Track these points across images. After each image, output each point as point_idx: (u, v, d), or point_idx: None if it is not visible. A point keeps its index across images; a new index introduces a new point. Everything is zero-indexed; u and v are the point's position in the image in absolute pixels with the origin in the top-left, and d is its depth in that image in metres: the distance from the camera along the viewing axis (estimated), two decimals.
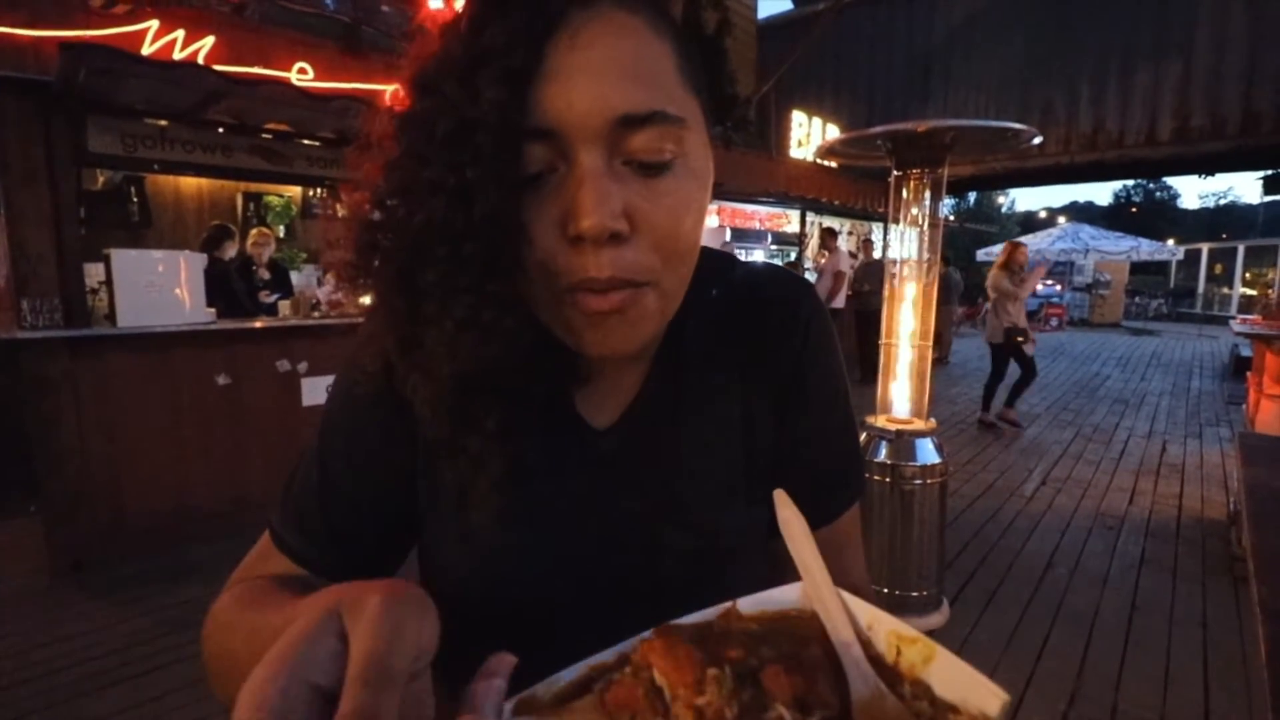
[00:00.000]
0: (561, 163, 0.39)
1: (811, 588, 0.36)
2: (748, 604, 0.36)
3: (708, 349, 0.53)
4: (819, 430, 0.55)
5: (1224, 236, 29.02)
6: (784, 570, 0.39)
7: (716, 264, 0.55)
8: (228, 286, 4.12)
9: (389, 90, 0.41)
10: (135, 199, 5.24)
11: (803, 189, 8.50)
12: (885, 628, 0.33)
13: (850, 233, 10.22)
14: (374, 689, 0.23)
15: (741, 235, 9.47)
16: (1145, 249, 15.99)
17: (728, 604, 0.36)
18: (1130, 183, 41.55)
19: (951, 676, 0.29)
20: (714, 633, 0.34)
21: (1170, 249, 17.42)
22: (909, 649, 0.31)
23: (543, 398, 0.49)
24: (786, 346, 0.53)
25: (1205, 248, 20.84)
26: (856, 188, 9.49)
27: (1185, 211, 45.67)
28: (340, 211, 0.41)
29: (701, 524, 0.51)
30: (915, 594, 2.54)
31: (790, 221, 9.76)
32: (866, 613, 0.33)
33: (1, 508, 3.41)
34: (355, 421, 0.50)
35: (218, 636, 0.43)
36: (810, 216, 9.76)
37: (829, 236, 7.82)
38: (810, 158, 8.72)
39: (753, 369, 0.53)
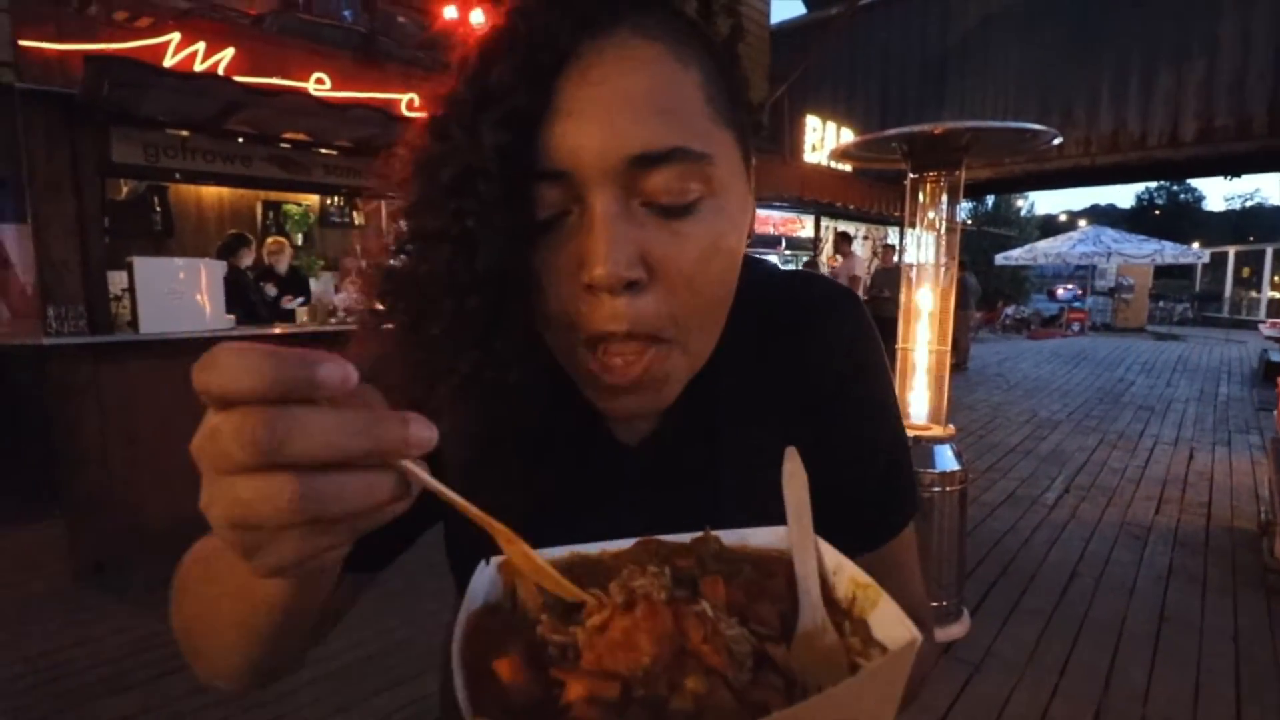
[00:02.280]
0: (575, 206, 0.37)
1: (793, 530, 0.37)
2: (729, 536, 0.39)
3: (743, 362, 0.49)
4: (868, 448, 0.52)
5: (1251, 239, 28.43)
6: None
7: (750, 272, 0.52)
8: (245, 294, 4.17)
9: (404, 100, 0.41)
10: (158, 208, 5.35)
11: (817, 193, 8.46)
12: (847, 574, 0.35)
13: (865, 237, 10.15)
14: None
15: (755, 240, 9.43)
16: (1169, 252, 15.70)
17: (705, 531, 0.38)
18: (1153, 185, 40.90)
19: (886, 618, 0.32)
20: (683, 550, 0.37)
21: (1195, 252, 17.09)
22: (862, 594, 0.34)
23: (570, 418, 0.47)
24: (828, 356, 0.50)
25: (1232, 250, 20.44)
26: (871, 191, 9.42)
27: (1210, 214, 44.84)
28: (360, 258, 0.40)
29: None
30: (935, 604, 2.49)
31: (804, 226, 9.71)
32: (834, 559, 0.36)
33: (26, 511, 3.47)
34: None
35: (181, 591, 0.41)
36: (824, 221, 9.71)
37: (843, 241, 7.77)
38: (824, 161, 8.68)
39: (792, 385, 0.50)
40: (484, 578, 0.33)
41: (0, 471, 3.47)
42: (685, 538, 0.38)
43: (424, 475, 0.26)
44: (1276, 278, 18.19)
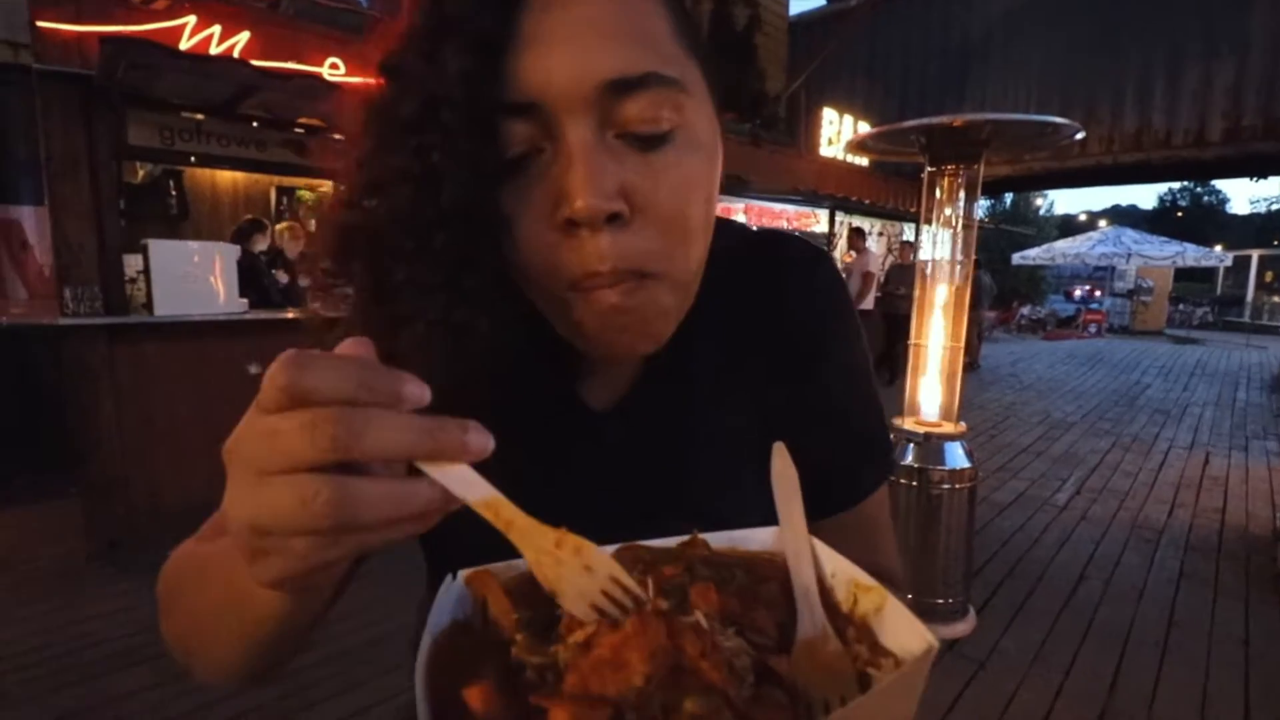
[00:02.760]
0: (547, 142, 0.36)
1: (786, 532, 0.35)
2: (718, 539, 0.36)
3: (715, 323, 0.49)
4: (840, 404, 0.51)
5: (1276, 243, 27.87)
6: None
7: (721, 231, 0.52)
8: (258, 278, 4.20)
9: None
10: (174, 192, 5.39)
11: (832, 187, 8.37)
12: (846, 576, 0.33)
13: (880, 233, 10.05)
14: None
15: None
16: (1191, 254, 15.40)
17: (692, 534, 0.36)
18: (1176, 185, 40.18)
19: (895, 623, 0.30)
20: (669, 556, 0.34)
21: (1218, 255, 16.77)
22: (864, 597, 0.32)
23: (539, 383, 0.47)
24: (801, 317, 0.49)
25: (1255, 254, 20.05)
26: (887, 186, 9.32)
27: (1234, 216, 44.06)
28: (311, 218, 0.38)
29: (707, 512, 0.46)
30: (941, 601, 2.47)
31: (819, 221, 9.62)
32: (831, 561, 0.34)
33: (42, 488, 3.52)
34: None
35: (171, 597, 0.41)
36: (839, 216, 9.61)
37: (856, 236, 7.70)
38: (841, 155, 8.59)
39: (766, 345, 0.49)
40: (451, 593, 0.31)
41: (16, 450, 3.53)
42: (671, 542, 0.36)
43: (470, 484, 0.25)
44: None
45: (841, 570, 0.33)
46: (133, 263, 3.69)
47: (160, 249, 3.17)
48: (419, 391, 0.24)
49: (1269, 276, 19.95)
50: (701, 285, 0.47)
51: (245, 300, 3.51)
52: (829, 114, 8.92)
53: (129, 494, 3.10)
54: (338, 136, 0.38)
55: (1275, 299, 18.64)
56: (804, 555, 0.34)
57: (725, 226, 0.52)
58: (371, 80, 0.36)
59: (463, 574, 0.32)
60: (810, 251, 0.52)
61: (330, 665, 2.16)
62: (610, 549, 0.34)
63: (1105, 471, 4.61)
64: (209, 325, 3.25)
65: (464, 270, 0.35)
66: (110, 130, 3.36)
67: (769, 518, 0.44)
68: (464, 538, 0.30)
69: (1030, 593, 2.84)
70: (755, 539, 0.37)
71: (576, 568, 0.28)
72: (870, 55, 10.83)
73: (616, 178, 0.35)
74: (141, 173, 5.26)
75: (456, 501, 0.25)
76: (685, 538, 0.36)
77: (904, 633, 0.29)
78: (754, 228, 0.56)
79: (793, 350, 0.49)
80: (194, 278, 3.22)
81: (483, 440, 0.25)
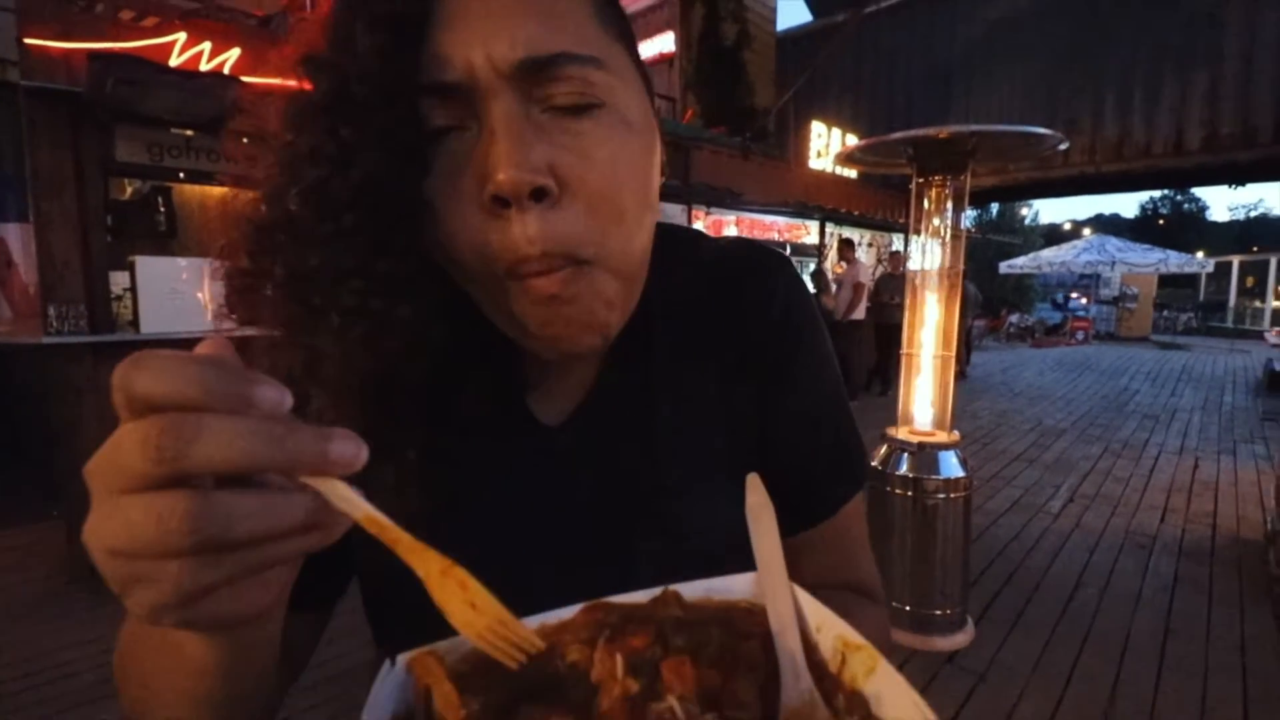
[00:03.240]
0: (471, 122, 0.35)
1: (766, 580, 0.32)
2: (693, 589, 0.33)
3: (674, 331, 0.47)
4: (809, 414, 0.49)
5: (1255, 249, 28.33)
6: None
7: (679, 239, 0.50)
8: None
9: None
10: (162, 208, 5.34)
11: (821, 199, 8.45)
12: (833, 632, 0.30)
13: (870, 244, 10.13)
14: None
15: None
16: (1174, 261, 15.66)
17: (664, 588, 0.33)
18: (1157, 194, 40.83)
19: (888, 692, 0.27)
20: (638, 616, 0.31)
21: (1200, 261, 17.04)
22: (853, 657, 0.29)
23: (484, 398, 0.44)
24: (763, 323, 0.48)
25: (1236, 260, 20.39)
26: (876, 198, 9.42)
27: (1215, 224, 44.77)
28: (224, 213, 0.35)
29: (678, 526, 0.44)
30: (938, 613, 2.46)
31: (809, 232, 9.68)
32: (817, 614, 0.31)
33: (25, 510, 3.46)
34: None
35: (121, 669, 0.38)
36: (829, 227, 9.69)
37: (846, 247, 7.76)
38: (830, 167, 8.68)
39: (729, 353, 0.47)
40: (391, 681, 0.27)
41: (0, 472, 3.47)
42: (641, 597, 0.32)
43: (350, 500, 0.23)
44: None
45: (827, 624, 0.30)
46: (119, 280, 3.65)
47: (147, 266, 3.14)
48: (275, 395, 0.22)
49: (1250, 281, 20.25)
50: (660, 291, 0.46)
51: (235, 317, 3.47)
52: (818, 127, 9.02)
53: None
54: (257, 141, 0.36)
55: (1257, 304, 18.91)
56: (785, 606, 0.31)
57: (685, 234, 0.51)
58: (291, 81, 0.35)
59: (403, 658, 0.28)
60: (772, 258, 0.50)
61: (322, 690, 2.12)
62: (574, 609, 0.31)
63: (1097, 478, 4.63)
64: (197, 342, 3.21)
65: (379, 254, 0.33)
66: (98, 147, 3.34)
67: (742, 530, 0.42)
68: (404, 595, 0.27)
69: (1027, 602, 2.83)
70: (732, 587, 0.34)
71: (462, 601, 0.25)
72: (858, 70, 10.99)
73: (542, 153, 0.34)
74: (129, 189, 5.22)
75: (343, 515, 0.23)
76: (656, 592, 0.33)
77: (900, 703, 0.26)
78: (717, 236, 0.54)
79: (758, 357, 0.48)
80: (181, 294, 3.19)
81: (350, 449, 0.22)
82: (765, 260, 0.50)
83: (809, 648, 0.30)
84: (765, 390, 0.48)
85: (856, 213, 9.17)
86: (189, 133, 4.36)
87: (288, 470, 0.22)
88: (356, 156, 0.32)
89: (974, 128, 2.33)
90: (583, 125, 0.36)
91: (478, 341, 0.42)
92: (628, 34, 0.41)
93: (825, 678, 0.29)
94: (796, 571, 0.33)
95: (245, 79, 3.59)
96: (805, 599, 0.32)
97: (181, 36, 3.52)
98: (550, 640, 0.29)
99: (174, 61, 3.49)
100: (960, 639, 2.47)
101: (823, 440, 0.50)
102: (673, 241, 0.48)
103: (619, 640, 0.29)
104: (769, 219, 9.04)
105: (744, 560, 0.42)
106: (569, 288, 0.36)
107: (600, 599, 0.32)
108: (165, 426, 0.20)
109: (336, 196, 0.33)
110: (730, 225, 7.69)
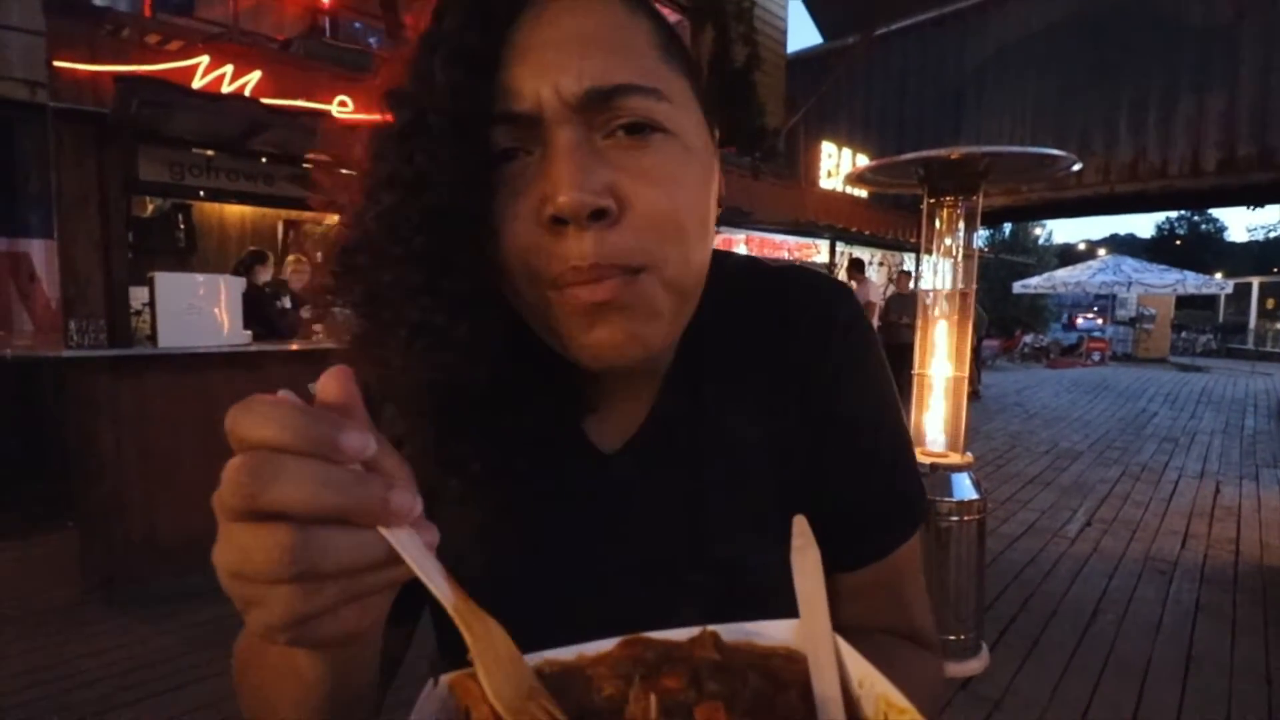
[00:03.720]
0: (535, 147, 0.37)
1: (808, 628, 0.32)
2: (732, 632, 0.33)
3: (730, 361, 0.47)
4: (865, 452, 0.48)
5: (1275, 270, 27.98)
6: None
7: (737, 267, 0.50)
8: (262, 310, 4.22)
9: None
10: (182, 225, 5.46)
11: (832, 218, 8.47)
12: (877, 690, 0.29)
13: (880, 263, 10.12)
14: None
15: None
16: (1191, 282, 15.48)
17: (703, 628, 0.33)
18: (1173, 214, 40.51)
19: None
20: (676, 656, 0.31)
21: (1218, 282, 16.84)
22: (897, 719, 0.28)
23: (544, 425, 0.45)
24: (821, 357, 0.47)
25: (1256, 281, 20.13)
26: (886, 218, 9.42)
27: (1233, 244, 44.28)
28: (316, 249, 0.39)
29: (726, 561, 0.45)
30: (952, 638, 2.41)
31: (819, 252, 9.70)
32: (859, 668, 0.30)
33: (40, 521, 3.49)
34: None
35: (241, 673, 0.41)
36: (840, 246, 9.70)
37: (855, 269, 7.76)
38: (840, 187, 8.70)
39: (783, 384, 0.47)
40: (432, 701, 0.28)
41: (18, 483, 3.51)
42: (680, 635, 0.32)
43: (407, 546, 0.25)
44: None
45: (869, 680, 0.29)
46: (139, 295, 3.72)
47: (166, 281, 3.19)
48: (359, 442, 0.24)
49: (1270, 303, 19.96)
50: (714, 318, 0.46)
51: (249, 333, 3.52)
52: (828, 147, 9.07)
53: (126, 529, 3.06)
54: (344, 170, 0.39)
55: (1278, 326, 18.61)
56: (827, 656, 0.30)
57: (739, 263, 0.51)
58: (376, 114, 0.38)
59: (445, 679, 0.29)
60: (832, 286, 0.50)
61: None
62: (613, 642, 0.32)
63: (1115, 502, 4.55)
64: (212, 357, 3.25)
65: (444, 274, 0.35)
66: (121, 166, 3.43)
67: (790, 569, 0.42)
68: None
69: (1044, 628, 2.77)
70: (773, 632, 0.33)
71: (501, 673, 0.27)
72: (868, 91, 11.06)
73: (603, 176, 0.35)
74: (151, 207, 5.34)
75: (400, 552, 0.25)
76: (694, 631, 0.33)
77: None
78: (770, 261, 0.54)
79: (811, 386, 0.47)
80: (199, 310, 3.23)
81: (406, 501, 0.25)
82: (823, 286, 0.49)
83: (850, 703, 0.29)
84: (821, 424, 0.47)
85: (867, 232, 9.18)
86: (210, 152, 4.47)
87: (351, 517, 0.24)
88: (428, 182, 0.35)
89: (986, 149, 2.33)
90: (643, 150, 0.37)
91: (539, 364, 0.43)
92: (693, 68, 0.42)
93: None
94: (845, 613, 0.34)
95: (268, 101, 3.68)
96: (848, 651, 0.31)
97: (205, 59, 3.62)
98: (588, 672, 0.30)
99: (197, 84, 3.59)
100: (975, 665, 2.41)
101: (880, 472, 0.49)
102: (728, 268, 0.48)
103: (654, 679, 0.29)
104: (779, 238, 9.07)
105: (789, 600, 0.41)
106: (618, 296, 0.37)
107: (639, 634, 0.32)
108: (249, 466, 0.23)
109: (409, 219, 0.35)
110: (740, 244, 7.72)
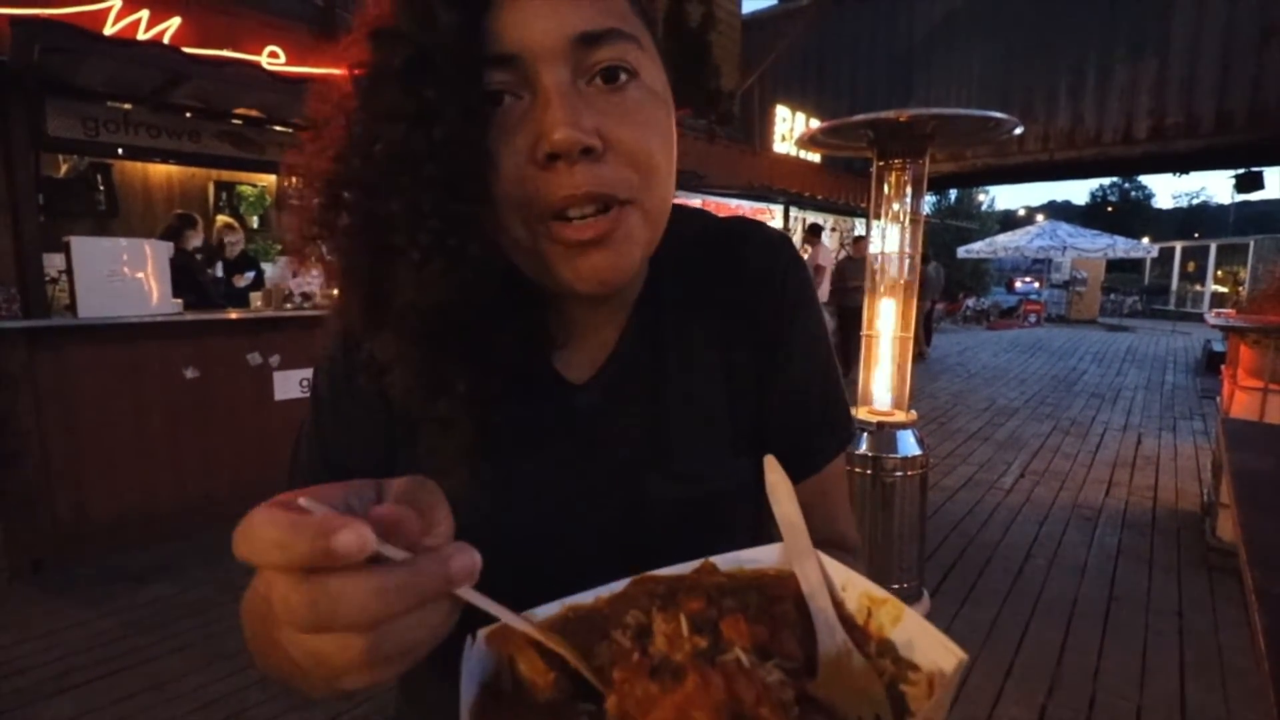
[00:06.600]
0: (526, 90, 0.40)
1: (792, 548, 0.36)
2: (725, 561, 0.37)
3: (686, 299, 0.53)
4: (802, 381, 0.55)
5: (1196, 235, 29.62)
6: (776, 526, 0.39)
7: (686, 211, 0.55)
8: (193, 277, 4.00)
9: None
10: (101, 187, 5.08)
11: (786, 183, 8.50)
12: (858, 589, 0.33)
13: (833, 228, 10.25)
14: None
15: None
16: (1121, 247, 16.25)
17: (703, 560, 0.37)
18: (1107, 182, 42.28)
19: (915, 636, 0.30)
20: (685, 585, 0.35)
21: (1145, 247, 17.73)
22: (879, 610, 0.32)
23: (518, 358, 0.47)
24: (766, 298, 0.53)
25: (1179, 246, 21.24)
26: (839, 182, 9.52)
27: (1160, 210, 46.65)
28: (296, 183, 0.40)
29: (687, 471, 0.50)
30: (896, 586, 2.52)
31: (774, 216, 9.75)
32: (841, 574, 0.34)
33: None
34: (336, 395, 0.50)
35: (249, 621, 0.43)
36: (794, 211, 9.77)
37: (811, 233, 7.83)
38: (794, 152, 8.72)
39: (732, 320, 0.53)
40: (475, 656, 0.30)
41: None
42: (684, 569, 0.36)
43: (468, 592, 0.26)
44: (1219, 272, 19.01)
45: (852, 583, 0.34)
46: (55, 263, 3.46)
47: (83, 246, 2.98)
48: (354, 543, 0.23)
49: (1191, 266, 21.12)
50: (668, 254, 0.50)
51: (179, 301, 3.33)
52: (782, 111, 9.05)
53: (54, 509, 2.91)
54: (281, 128, 0.39)
55: (1197, 287, 19.76)
56: (812, 569, 0.34)
57: (692, 213, 0.56)
58: (342, 70, 0.39)
59: (481, 634, 0.31)
60: (774, 234, 0.56)
61: (274, 684, 2.07)
62: (624, 582, 0.35)
63: (1047, 454, 4.81)
64: (140, 327, 3.07)
65: (454, 199, 0.38)
66: (26, 120, 3.13)
67: (747, 484, 0.48)
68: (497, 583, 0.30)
69: (980, 573, 2.93)
70: (761, 558, 0.37)
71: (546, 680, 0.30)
72: (821, 55, 11.04)
73: (591, 118, 0.39)
74: (65, 166, 4.94)
75: (468, 599, 0.27)
76: (696, 564, 0.36)
77: (928, 645, 0.29)
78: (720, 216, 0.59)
79: (758, 321, 0.53)
80: (122, 277, 3.03)
81: (467, 563, 0.26)
82: (768, 237, 0.55)
83: (837, 604, 0.33)
84: (764, 357, 0.53)
85: (820, 197, 9.26)
86: (126, 106, 4.14)
87: (423, 605, 0.25)
88: (438, 115, 0.37)
89: (933, 110, 2.35)
90: (622, 95, 0.41)
91: (511, 298, 0.45)
92: (654, 20, 0.47)
93: (854, 629, 0.32)
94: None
95: (190, 50, 3.41)
96: (829, 562, 0.35)
97: (116, 4, 3.33)
98: (606, 611, 0.33)
99: (109, 30, 3.30)
100: (917, 610, 2.54)
101: (814, 405, 0.55)
102: (680, 212, 0.53)
103: (675, 604, 0.32)
104: (733, 202, 9.06)
105: (742, 504, 0.51)
106: (603, 233, 0.41)
107: (645, 573, 0.36)
108: (301, 601, 0.23)
109: (419, 150, 0.37)
110: (694, 206, 7.68)
